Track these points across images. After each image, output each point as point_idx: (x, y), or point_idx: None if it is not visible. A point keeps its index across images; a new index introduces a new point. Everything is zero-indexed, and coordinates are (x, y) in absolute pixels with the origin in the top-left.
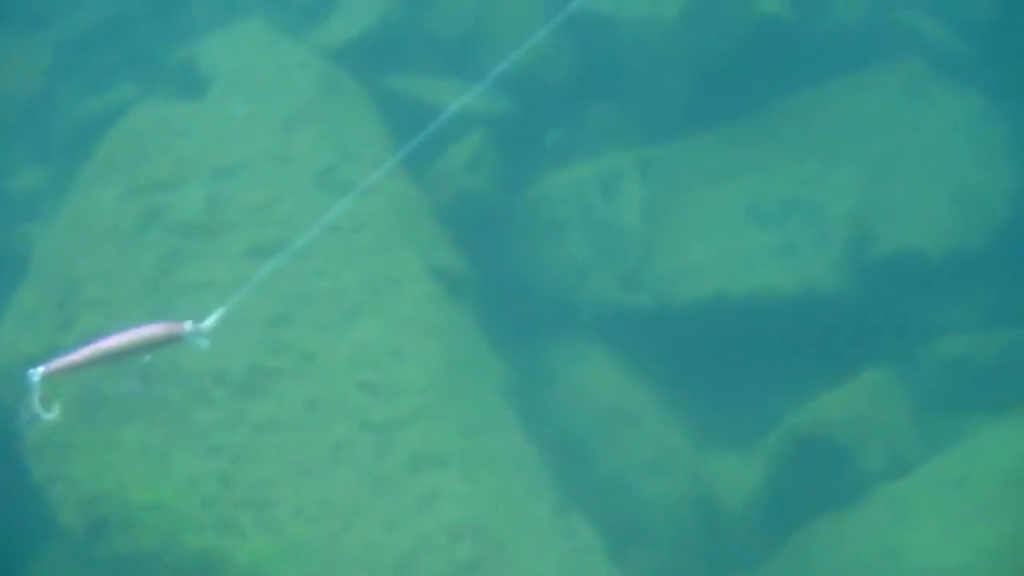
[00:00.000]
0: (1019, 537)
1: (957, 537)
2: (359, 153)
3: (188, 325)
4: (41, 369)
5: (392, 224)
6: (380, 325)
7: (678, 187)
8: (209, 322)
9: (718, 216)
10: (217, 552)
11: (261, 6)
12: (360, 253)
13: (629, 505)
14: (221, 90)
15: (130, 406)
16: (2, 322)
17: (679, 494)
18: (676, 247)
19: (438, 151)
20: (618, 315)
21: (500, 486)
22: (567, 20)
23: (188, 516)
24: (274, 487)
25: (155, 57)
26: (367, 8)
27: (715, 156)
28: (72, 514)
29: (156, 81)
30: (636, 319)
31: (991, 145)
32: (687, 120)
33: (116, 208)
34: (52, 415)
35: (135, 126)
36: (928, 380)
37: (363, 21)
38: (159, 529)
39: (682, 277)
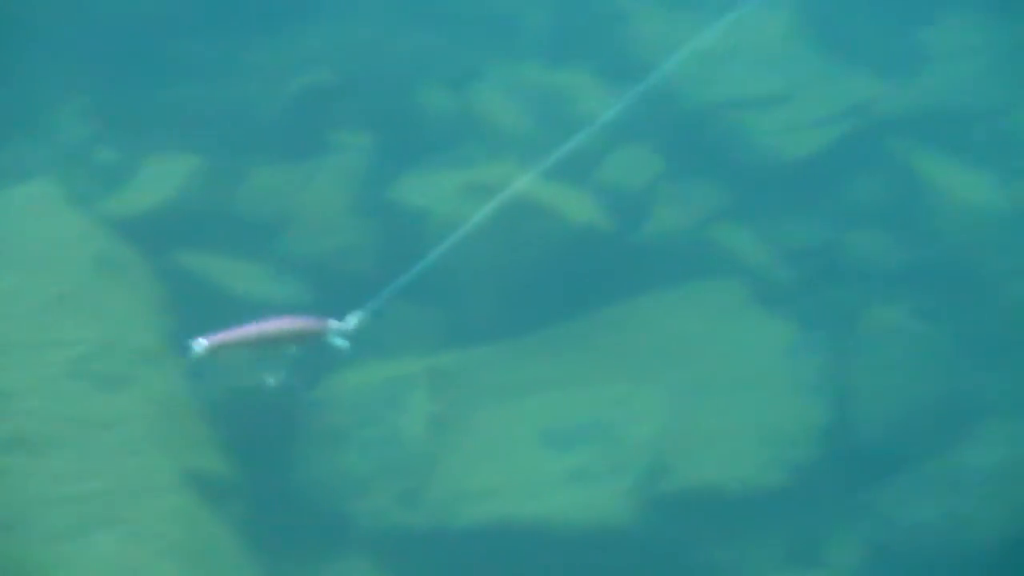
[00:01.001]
0: None
1: None
2: (124, 341)
3: (332, 323)
4: (204, 340)
5: (149, 422)
6: (118, 541)
7: (472, 400)
8: (350, 323)
9: (511, 435)
10: None
11: (58, 165)
12: (107, 455)
13: None
14: None
15: None
16: None
17: None
18: (463, 466)
19: None
20: (395, 534)
21: None
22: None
23: None
24: None
25: None
26: (169, 178)
27: (516, 369)
28: None
29: None
30: (413, 539)
31: (803, 379)
32: (491, 328)
33: None
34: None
35: None
36: None
37: (162, 192)
38: None
39: (466, 499)
